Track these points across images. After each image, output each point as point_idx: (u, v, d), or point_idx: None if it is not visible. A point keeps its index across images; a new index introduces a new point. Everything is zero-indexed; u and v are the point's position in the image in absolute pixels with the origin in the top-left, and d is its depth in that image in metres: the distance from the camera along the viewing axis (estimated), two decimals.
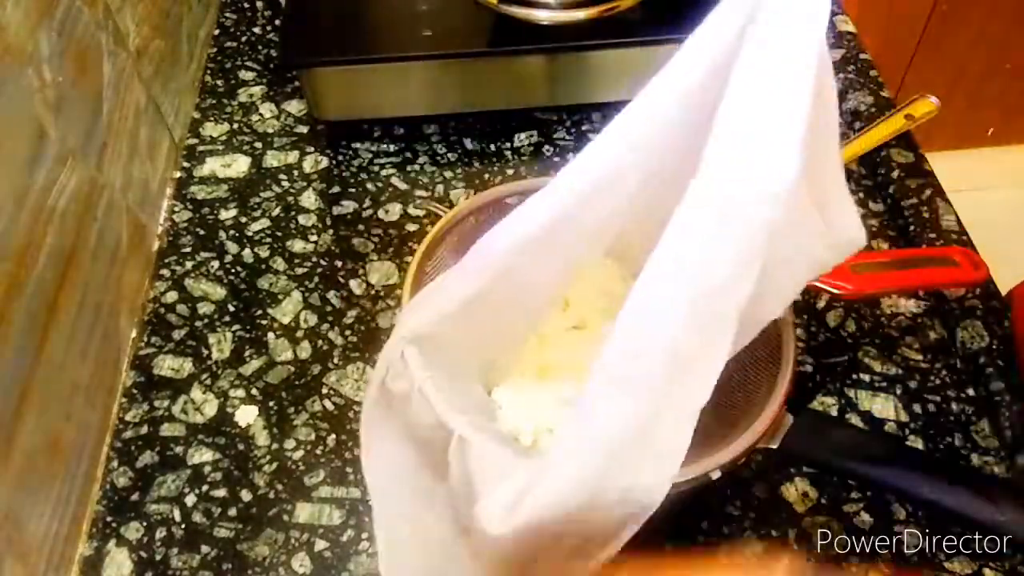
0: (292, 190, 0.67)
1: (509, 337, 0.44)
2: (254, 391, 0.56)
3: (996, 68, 1.60)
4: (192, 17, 0.74)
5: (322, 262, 0.63)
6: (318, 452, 0.53)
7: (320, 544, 0.49)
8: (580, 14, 0.65)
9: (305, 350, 0.58)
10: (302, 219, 0.66)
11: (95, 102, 0.55)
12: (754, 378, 0.47)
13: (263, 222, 0.65)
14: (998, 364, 0.55)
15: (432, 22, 0.67)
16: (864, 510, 0.50)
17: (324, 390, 0.56)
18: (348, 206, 0.67)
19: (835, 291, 0.54)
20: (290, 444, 0.53)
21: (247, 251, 0.63)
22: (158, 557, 0.49)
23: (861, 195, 0.68)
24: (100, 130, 0.55)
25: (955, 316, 0.58)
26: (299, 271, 0.62)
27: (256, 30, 0.81)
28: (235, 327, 0.59)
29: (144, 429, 0.54)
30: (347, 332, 0.59)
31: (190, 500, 0.51)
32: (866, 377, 0.56)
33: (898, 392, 0.56)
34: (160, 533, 0.50)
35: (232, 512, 0.50)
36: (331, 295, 0.61)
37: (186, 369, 0.57)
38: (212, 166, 0.69)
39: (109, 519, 0.50)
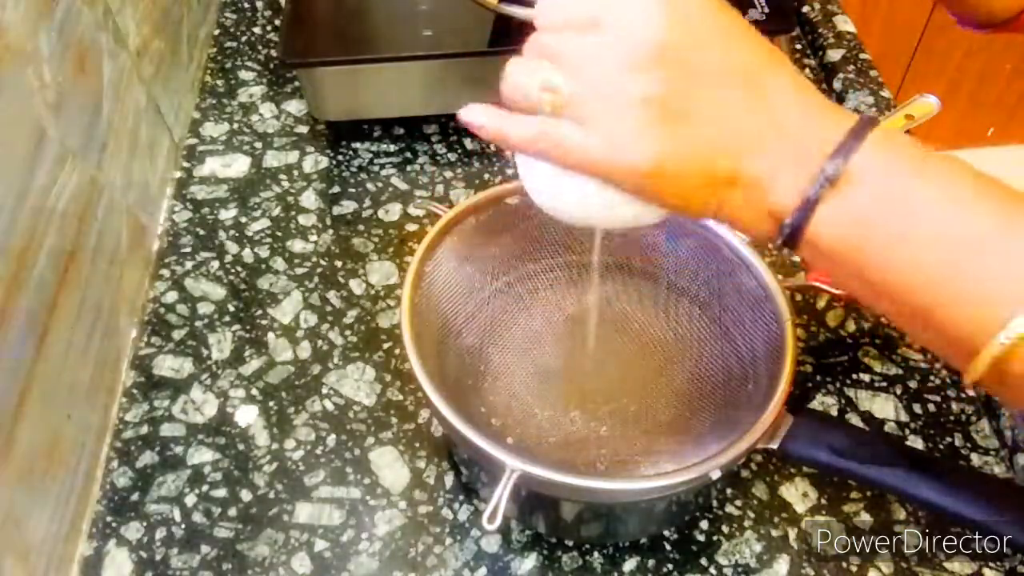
0: (292, 190, 0.67)
1: None
2: (254, 391, 0.56)
3: (996, 68, 1.60)
4: (192, 17, 0.74)
5: (322, 262, 0.63)
6: (318, 452, 0.53)
7: (320, 544, 0.49)
8: None
9: (305, 350, 0.58)
10: (302, 219, 0.66)
11: (95, 102, 0.55)
12: (754, 378, 0.47)
13: (263, 222, 0.65)
14: None
15: (432, 22, 0.67)
16: (864, 510, 0.50)
17: (324, 390, 0.56)
18: (348, 206, 0.67)
19: (835, 291, 0.54)
20: (290, 444, 0.53)
21: (247, 251, 0.63)
22: (158, 557, 0.49)
23: None
24: (100, 130, 0.55)
25: None
26: (299, 271, 0.62)
27: (256, 30, 0.81)
28: (235, 327, 0.59)
29: (144, 429, 0.54)
30: (347, 332, 0.59)
31: (190, 500, 0.51)
32: (866, 377, 0.56)
33: (898, 392, 0.56)
34: (160, 533, 0.50)
35: (232, 512, 0.50)
36: (331, 295, 0.61)
37: (186, 369, 0.57)
38: (212, 166, 0.69)
39: (109, 519, 0.50)
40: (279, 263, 0.63)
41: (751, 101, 0.32)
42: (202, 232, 0.65)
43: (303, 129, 0.72)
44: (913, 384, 0.56)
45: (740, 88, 0.32)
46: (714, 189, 0.33)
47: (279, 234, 0.64)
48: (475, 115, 0.36)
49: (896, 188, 0.31)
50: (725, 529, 0.50)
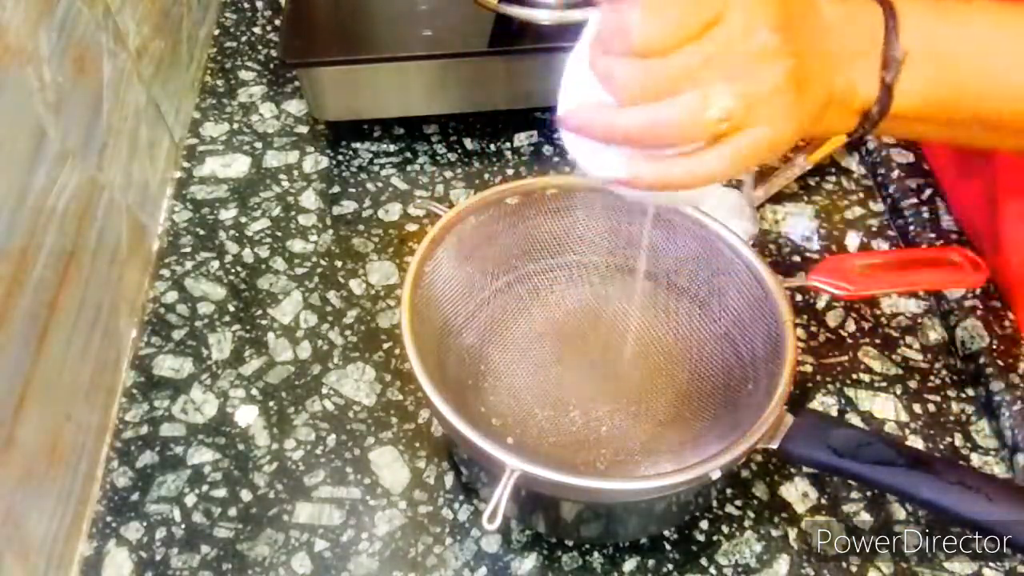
0: (292, 190, 0.67)
1: None
2: (254, 391, 0.56)
3: None
4: (192, 17, 0.74)
5: (322, 262, 0.63)
6: (318, 452, 0.53)
7: (320, 544, 0.49)
8: (580, 14, 0.65)
9: (305, 350, 0.58)
10: (302, 219, 0.66)
11: (95, 102, 0.55)
12: (754, 378, 0.47)
13: (263, 222, 0.65)
14: (998, 364, 0.54)
15: (432, 22, 0.67)
16: (864, 510, 0.50)
17: (324, 390, 0.56)
18: (348, 206, 0.67)
19: (835, 291, 0.54)
20: (290, 444, 0.53)
21: (247, 251, 0.63)
22: (158, 557, 0.49)
23: (861, 195, 0.68)
24: (100, 130, 0.55)
25: (955, 316, 0.58)
26: (299, 271, 0.62)
27: (256, 30, 0.81)
28: (235, 327, 0.59)
29: (144, 429, 0.54)
30: (347, 332, 0.59)
31: (190, 500, 0.51)
32: (866, 377, 0.56)
33: (898, 392, 0.56)
34: (160, 533, 0.50)
35: (232, 512, 0.50)
36: (331, 295, 0.61)
37: (186, 369, 0.57)
38: (212, 166, 0.69)
39: (109, 519, 0.50)
40: (279, 263, 0.63)
41: (826, 32, 0.35)
42: (202, 232, 0.65)
43: (303, 129, 0.72)
44: (913, 384, 0.56)
45: (817, 24, 0.35)
46: (820, 118, 0.37)
47: (279, 234, 0.65)
48: (634, 169, 0.34)
49: (949, 39, 0.37)
50: (725, 529, 0.50)
